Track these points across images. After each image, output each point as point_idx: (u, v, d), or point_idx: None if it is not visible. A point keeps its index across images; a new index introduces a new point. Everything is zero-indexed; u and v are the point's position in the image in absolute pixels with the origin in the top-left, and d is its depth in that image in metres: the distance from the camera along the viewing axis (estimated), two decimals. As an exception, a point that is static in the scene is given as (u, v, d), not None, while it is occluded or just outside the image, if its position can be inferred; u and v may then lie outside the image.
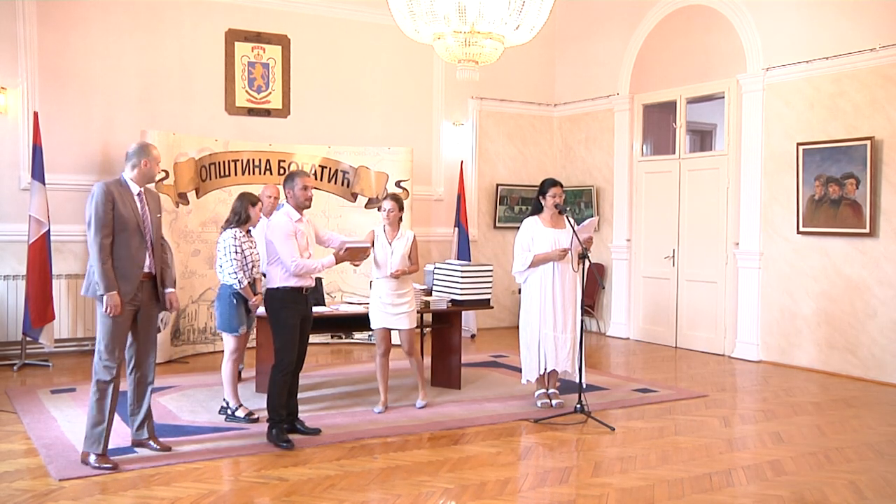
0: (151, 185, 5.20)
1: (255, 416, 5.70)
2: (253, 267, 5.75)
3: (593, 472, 4.74)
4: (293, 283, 5.23)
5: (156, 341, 5.04)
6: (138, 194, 4.77)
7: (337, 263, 5.43)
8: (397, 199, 5.99)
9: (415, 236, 6.10)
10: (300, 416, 5.55)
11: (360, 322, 6.67)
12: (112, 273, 4.61)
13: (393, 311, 5.99)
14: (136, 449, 4.95)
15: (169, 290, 4.93)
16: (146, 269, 4.78)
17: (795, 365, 8.02)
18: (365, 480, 4.53)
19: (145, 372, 4.93)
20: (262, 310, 5.64)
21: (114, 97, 8.44)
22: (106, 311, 4.60)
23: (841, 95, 7.65)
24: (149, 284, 4.82)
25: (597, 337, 10.08)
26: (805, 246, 7.94)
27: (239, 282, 5.64)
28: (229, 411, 5.76)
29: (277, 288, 5.24)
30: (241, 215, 5.73)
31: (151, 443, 4.98)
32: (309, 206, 5.37)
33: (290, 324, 5.23)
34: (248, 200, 5.77)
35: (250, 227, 5.87)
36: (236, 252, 5.63)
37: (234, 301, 5.67)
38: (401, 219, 6.03)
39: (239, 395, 5.83)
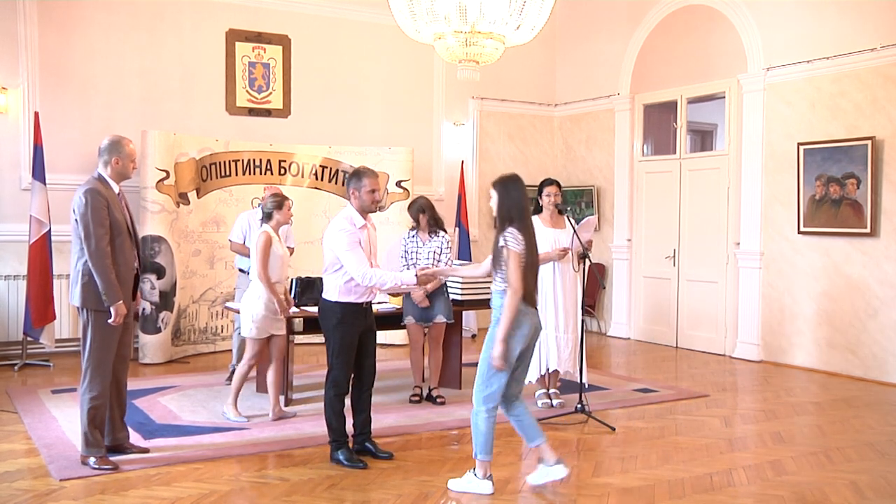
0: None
1: (443, 399, 6.34)
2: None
3: (594, 471, 4.75)
4: (353, 297, 4.69)
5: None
6: (118, 193, 4.67)
7: (419, 284, 4.75)
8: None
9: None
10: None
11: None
12: (116, 282, 4.49)
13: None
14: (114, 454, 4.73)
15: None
16: (135, 270, 4.71)
17: (796, 365, 8.02)
18: (365, 480, 4.53)
19: (124, 373, 4.82)
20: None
21: (114, 97, 8.44)
22: (114, 321, 4.47)
23: (842, 95, 7.64)
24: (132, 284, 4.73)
25: (597, 337, 10.07)
26: (806, 246, 7.94)
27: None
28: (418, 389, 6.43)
29: (335, 302, 4.70)
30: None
31: (127, 448, 4.82)
32: (375, 211, 4.79)
33: (346, 342, 4.69)
34: (416, 207, 6.38)
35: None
36: (405, 250, 6.35)
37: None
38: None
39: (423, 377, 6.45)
